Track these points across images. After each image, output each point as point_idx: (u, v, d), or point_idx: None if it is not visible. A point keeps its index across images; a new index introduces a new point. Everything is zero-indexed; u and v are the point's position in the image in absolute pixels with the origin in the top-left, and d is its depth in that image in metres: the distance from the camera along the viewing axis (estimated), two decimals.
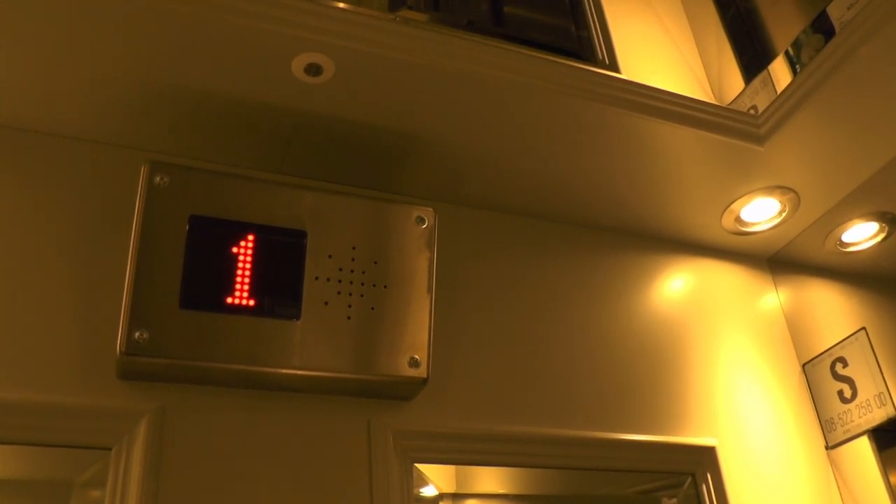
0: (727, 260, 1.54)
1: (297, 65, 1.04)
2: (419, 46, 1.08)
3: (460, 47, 1.11)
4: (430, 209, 1.13)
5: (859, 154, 1.31)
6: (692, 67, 1.65)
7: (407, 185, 1.29)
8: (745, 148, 1.28)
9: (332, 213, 1.07)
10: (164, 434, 0.97)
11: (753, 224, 1.46)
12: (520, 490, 1.28)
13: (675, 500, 1.29)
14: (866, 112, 1.23)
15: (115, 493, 0.91)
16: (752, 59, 1.51)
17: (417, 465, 1.09)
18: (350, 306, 1.03)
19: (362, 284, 1.05)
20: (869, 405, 1.31)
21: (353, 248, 1.06)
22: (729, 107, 1.43)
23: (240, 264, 1.00)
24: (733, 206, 1.41)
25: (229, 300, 0.98)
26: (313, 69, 1.05)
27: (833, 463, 1.36)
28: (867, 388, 1.32)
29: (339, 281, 1.04)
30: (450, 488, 1.20)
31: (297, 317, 1.00)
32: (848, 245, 1.52)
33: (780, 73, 1.39)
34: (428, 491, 1.17)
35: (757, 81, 1.44)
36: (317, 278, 1.03)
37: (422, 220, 1.12)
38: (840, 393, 1.37)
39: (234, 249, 1.00)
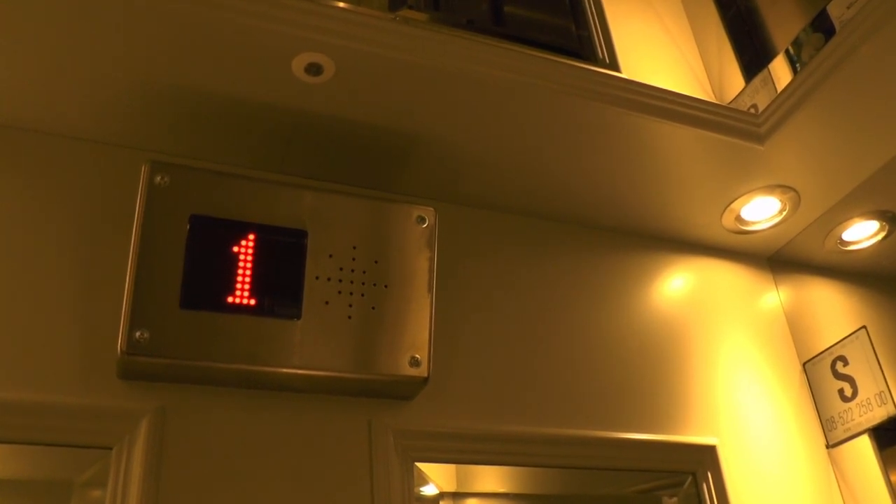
0: (727, 259, 1.54)
1: (298, 64, 1.04)
2: (419, 46, 1.08)
3: (460, 47, 1.11)
4: (431, 209, 1.13)
5: (859, 153, 1.31)
6: (692, 66, 1.65)
7: (407, 184, 1.29)
8: (745, 147, 1.28)
9: (332, 213, 1.07)
10: (164, 434, 0.97)
11: (754, 223, 1.46)
12: (520, 489, 1.28)
13: (675, 499, 1.29)
14: (866, 111, 1.23)
15: (116, 492, 0.91)
16: (753, 58, 1.51)
17: (418, 464, 1.09)
18: (351, 306, 1.03)
19: (363, 284, 1.05)
20: (869, 404, 1.31)
21: (354, 247, 1.06)
22: (729, 106, 1.43)
23: (240, 264, 1.00)
24: (734, 205, 1.41)
25: (230, 300, 0.98)
26: (313, 69, 1.05)
27: (833, 462, 1.36)
28: (868, 386, 1.32)
29: (340, 280, 1.04)
30: (450, 487, 1.20)
31: (298, 316, 1.00)
32: (848, 244, 1.52)
33: (780, 72, 1.39)
34: (428, 490, 1.17)
35: (757, 80, 1.44)
36: (317, 278, 1.03)
37: (422, 220, 1.12)
38: (840, 392, 1.37)
39: (235, 249, 1.00)
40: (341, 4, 1.12)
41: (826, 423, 1.39)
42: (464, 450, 1.14)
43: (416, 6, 1.35)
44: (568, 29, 1.55)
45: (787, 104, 1.24)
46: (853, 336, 1.36)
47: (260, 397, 1.03)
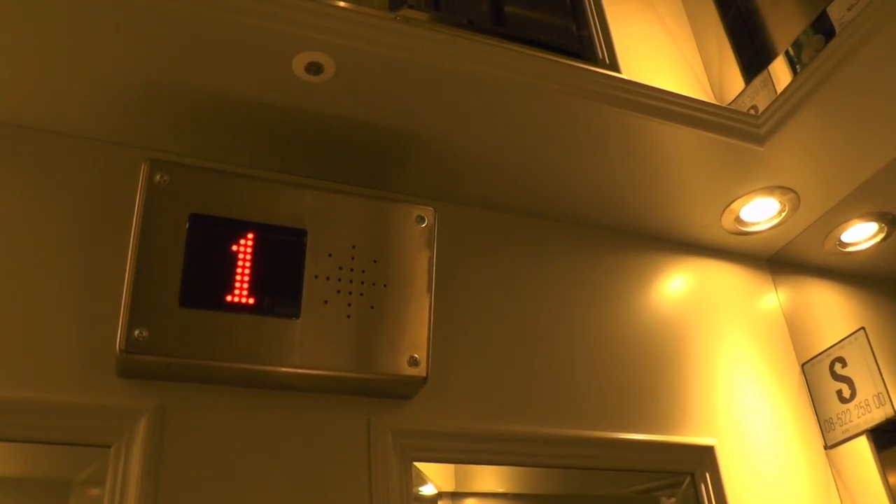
0: (727, 260, 1.54)
1: (298, 64, 1.04)
2: (420, 45, 1.08)
3: (461, 46, 1.11)
4: (430, 208, 1.13)
5: (859, 154, 1.31)
6: (692, 67, 1.65)
7: (407, 184, 1.29)
8: (745, 148, 1.28)
9: (332, 212, 1.07)
10: (163, 432, 0.97)
11: (753, 224, 1.46)
12: (519, 489, 1.28)
13: (673, 499, 1.30)
14: (866, 112, 1.23)
15: (115, 491, 0.91)
16: (753, 59, 1.51)
17: (416, 463, 1.09)
18: (350, 305, 1.03)
19: (362, 283, 1.05)
20: (868, 405, 1.31)
21: (353, 246, 1.06)
22: (729, 107, 1.43)
23: (240, 263, 1.00)
24: (733, 206, 1.41)
25: (229, 298, 0.98)
26: (314, 68, 1.05)
27: (832, 463, 1.36)
28: (866, 388, 1.32)
29: (339, 280, 1.04)
30: (449, 487, 1.20)
31: (297, 315, 1.00)
32: (847, 245, 1.52)
33: (780, 73, 1.39)
34: (427, 490, 1.17)
35: (757, 81, 1.44)
36: (316, 277, 1.03)
37: (422, 220, 1.12)
38: (839, 393, 1.37)
39: (234, 248, 1.00)
40: (342, 4, 1.12)
41: (824, 425, 1.39)
42: (462, 449, 1.14)
43: (416, 6, 1.35)
44: (568, 29, 1.55)
45: (787, 105, 1.24)
46: (852, 337, 1.37)
47: (259, 396, 1.03)
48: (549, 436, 1.18)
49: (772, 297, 1.55)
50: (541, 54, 1.25)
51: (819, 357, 1.43)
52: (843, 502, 1.32)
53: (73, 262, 1.04)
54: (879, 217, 1.46)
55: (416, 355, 1.05)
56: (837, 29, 1.24)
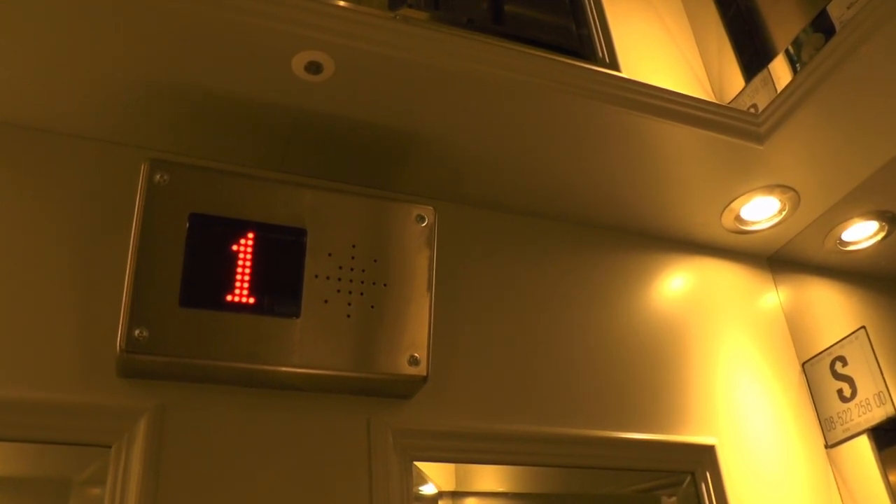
0: (727, 259, 1.54)
1: (298, 63, 1.04)
2: (419, 45, 1.08)
3: (460, 46, 1.11)
4: (430, 208, 1.13)
5: (859, 153, 1.31)
6: (692, 66, 1.65)
7: (407, 183, 1.29)
8: (745, 147, 1.28)
9: (332, 212, 1.07)
10: (163, 432, 0.97)
11: (753, 223, 1.46)
12: (519, 489, 1.28)
13: (674, 498, 1.29)
14: (866, 111, 1.23)
15: (115, 490, 0.91)
16: (753, 57, 1.51)
17: (417, 463, 1.09)
18: (350, 304, 1.03)
19: (362, 283, 1.05)
20: (868, 404, 1.31)
21: (353, 246, 1.06)
22: (729, 105, 1.43)
23: (240, 262, 1.00)
24: (733, 205, 1.41)
25: (229, 298, 0.98)
26: (313, 67, 1.05)
27: (832, 462, 1.36)
28: (867, 386, 1.32)
29: (339, 279, 1.04)
30: (449, 486, 1.20)
31: (297, 315, 1.00)
32: (848, 244, 1.52)
33: (780, 71, 1.38)
34: (427, 489, 1.17)
35: (757, 80, 1.44)
36: (316, 276, 1.03)
37: (422, 219, 1.12)
38: (840, 392, 1.37)
39: (234, 247, 1.00)
40: (341, 3, 1.12)
41: (825, 424, 1.39)
42: (463, 449, 1.14)
43: (416, 5, 1.35)
44: (568, 28, 1.55)
45: (787, 104, 1.24)
46: (852, 336, 1.36)
47: (259, 396, 1.03)
48: (549, 435, 1.18)
49: (772, 296, 1.55)
50: (540, 53, 1.25)
51: (819, 356, 1.43)
52: (843, 501, 1.32)
53: (73, 262, 1.04)
54: (880, 216, 1.46)
55: (416, 355, 1.05)
56: (837, 27, 1.24)
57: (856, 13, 1.16)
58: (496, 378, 1.20)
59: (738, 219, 1.45)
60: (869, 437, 1.32)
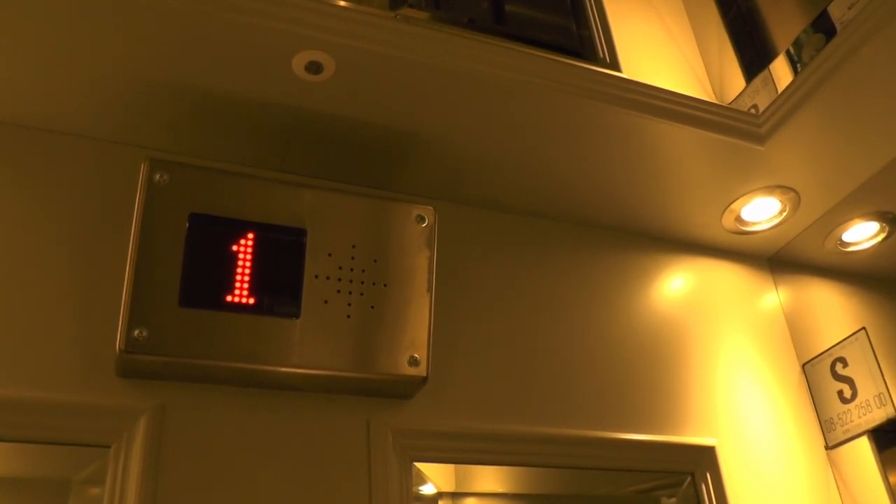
0: (727, 259, 1.54)
1: (298, 63, 1.04)
2: (420, 45, 1.08)
3: (461, 46, 1.11)
4: (430, 208, 1.13)
5: (860, 154, 1.31)
6: (693, 66, 1.65)
7: (407, 183, 1.29)
8: (745, 147, 1.28)
9: (332, 212, 1.07)
10: (163, 432, 0.97)
11: (754, 223, 1.46)
12: (519, 489, 1.28)
13: (674, 499, 1.29)
14: (867, 112, 1.23)
15: (114, 490, 0.91)
16: (753, 58, 1.51)
17: (416, 463, 1.09)
18: (350, 305, 1.03)
19: (362, 283, 1.05)
20: (869, 405, 1.30)
21: (353, 246, 1.06)
22: (730, 106, 1.43)
23: (239, 262, 1.00)
24: (734, 206, 1.41)
25: (229, 298, 0.98)
26: (314, 67, 1.05)
27: (832, 463, 1.36)
28: (867, 388, 1.31)
29: (339, 279, 1.04)
30: (449, 487, 1.20)
31: (297, 315, 1.00)
32: (848, 245, 1.52)
33: (780, 72, 1.38)
34: (427, 489, 1.17)
35: (758, 81, 1.44)
36: (316, 277, 1.03)
37: (422, 219, 1.11)
38: (840, 393, 1.37)
39: (234, 247, 1.00)
40: (342, 3, 1.12)
41: (825, 425, 1.39)
42: (462, 449, 1.13)
43: (416, 4, 1.34)
44: (569, 28, 1.54)
45: (788, 105, 1.24)
46: (853, 337, 1.36)
47: (258, 396, 1.03)
48: (549, 436, 1.18)
49: (772, 297, 1.55)
50: (541, 53, 1.25)
51: (820, 357, 1.43)
52: (843, 502, 1.32)
53: (73, 262, 1.04)
54: (880, 216, 1.46)
55: (416, 355, 1.05)
56: (838, 28, 1.24)
57: (857, 14, 1.16)
58: (496, 378, 1.20)
59: (739, 219, 1.45)
60: (869, 438, 1.32)
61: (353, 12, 1.07)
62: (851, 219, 1.46)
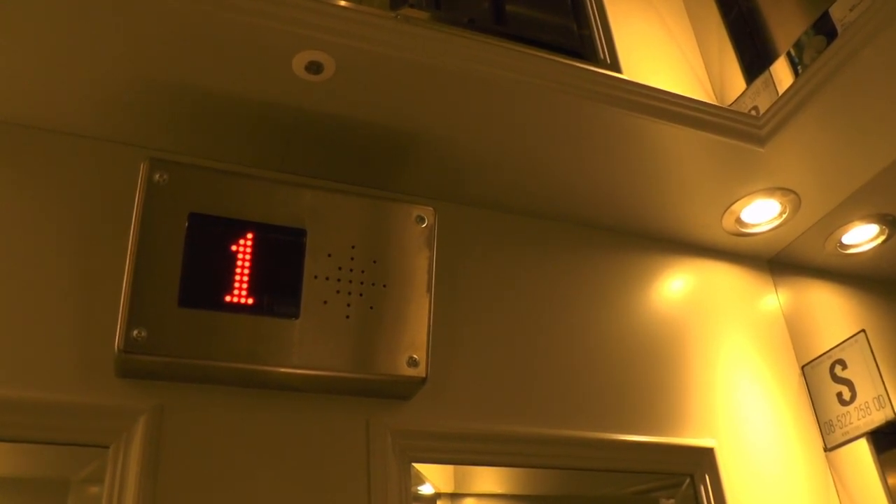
0: (727, 261, 1.54)
1: (298, 63, 1.04)
2: (420, 45, 1.08)
3: (461, 46, 1.11)
4: (430, 208, 1.13)
5: (860, 156, 1.31)
6: (694, 67, 1.64)
7: (407, 183, 1.29)
8: (745, 149, 1.28)
9: (331, 212, 1.07)
10: (162, 432, 0.97)
11: (754, 225, 1.46)
12: (518, 490, 1.28)
13: (673, 500, 1.29)
14: (868, 114, 1.23)
15: (113, 490, 0.91)
16: (754, 59, 1.51)
17: (415, 464, 1.09)
18: (349, 305, 1.03)
19: (361, 283, 1.05)
20: (868, 407, 1.30)
21: (353, 246, 1.06)
22: (730, 108, 1.43)
23: (239, 262, 1.00)
24: (734, 207, 1.41)
25: (228, 298, 0.98)
26: (314, 67, 1.05)
27: (831, 465, 1.36)
28: (866, 390, 1.31)
29: (339, 280, 1.04)
30: (448, 488, 1.20)
31: (296, 315, 1.00)
32: (848, 247, 1.52)
33: (781, 74, 1.38)
34: (425, 490, 1.17)
35: (758, 82, 1.44)
36: (316, 277, 1.03)
37: (421, 220, 1.11)
38: (839, 395, 1.37)
39: (234, 247, 1.00)
40: (342, 3, 1.12)
41: (824, 427, 1.39)
42: (461, 450, 1.13)
43: (417, 4, 1.34)
44: (569, 28, 1.54)
45: (789, 107, 1.24)
46: (852, 339, 1.36)
47: (258, 396, 1.03)
48: (548, 436, 1.18)
49: (772, 299, 1.55)
50: (541, 54, 1.25)
51: (819, 359, 1.43)
52: None
53: (72, 261, 1.04)
54: (880, 219, 1.46)
55: (415, 356, 1.05)
56: (839, 30, 1.24)
57: (858, 16, 1.16)
58: (495, 379, 1.20)
59: (739, 221, 1.45)
60: (868, 440, 1.32)
61: (354, 12, 1.07)
62: (851, 221, 1.46)
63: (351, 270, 1.05)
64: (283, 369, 0.99)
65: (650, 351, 1.35)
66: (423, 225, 1.11)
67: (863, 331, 1.35)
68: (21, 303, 0.99)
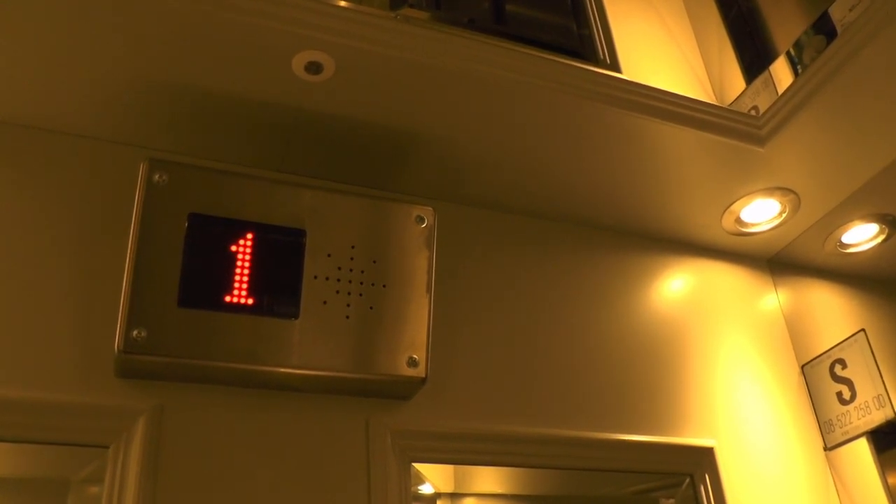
0: (727, 261, 1.54)
1: (298, 63, 1.04)
2: (420, 45, 1.07)
3: (461, 46, 1.11)
4: (430, 208, 1.13)
5: (860, 156, 1.31)
6: (693, 67, 1.64)
7: (407, 183, 1.29)
8: (745, 149, 1.28)
9: (331, 212, 1.07)
10: (162, 432, 0.97)
11: (754, 225, 1.46)
12: (518, 490, 1.28)
13: (672, 500, 1.30)
14: (867, 114, 1.23)
15: (113, 491, 0.91)
16: (754, 59, 1.51)
17: (415, 464, 1.09)
18: (349, 305, 1.03)
19: (361, 283, 1.05)
20: (868, 407, 1.31)
21: (353, 246, 1.06)
22: (730, 107, 1.43)
23: (239, 263, 1.00)
24: (733, 207, 1.41)
25: (228, 298, 0.98)
26: (313, 67, 1.05)
27: (831, 464, 1.36)
28: (866, 389, 1.32)
29: (338, 280, 1.04)
30: (448, 488, 1.20)
31: (296, 316, 1.00)
32: (848, 246, 1.52)
33: (781, 73, 1.38)
34: (425, 489, 1.17)
35: (758, 82, 1.44)
36: (315, 277, 1.03)
37: (421, 220, 1.11)
38: (839, 394, 1.37)
39: (233, 248, 1.00)
40: (342, 3, 1.12)
41: (824, 426, 1.39)
42: (461, 450, 1.14)
43: (416, 4, 1.34)
44: (569, 28, 1.54)
45: (788, 106, 1.24)
46: (852, 339, 1.36)
47: (257, 396, 1.03)
48: (548, 436, 1.18)
49: (772, 299, 1.55)
50: (541, 54, 1.24)
51: (819, 358, 1.43)
52: None
53: (72, 262, 1.04)
54: (880, 218, 1.46)
55: (414, 356, 1.05)
56: (839, 30, 1.24)
57: (858, 16, 1.16)
58: (495, 379, 1.20)
59: (739, 221, 1.45)
60: (868, 439, 1.32)
61: (353, 12, 1.07)
62: (851, 220, 1.46)
63: (351, 270, 1.05)
64: (282, 369, 0.99)
65: (650, 350, 1.35)
66: (423, 225, 1.11)
67: (862, 330, 1.35)
68: (21, 303, 0.99)
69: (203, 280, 0.97)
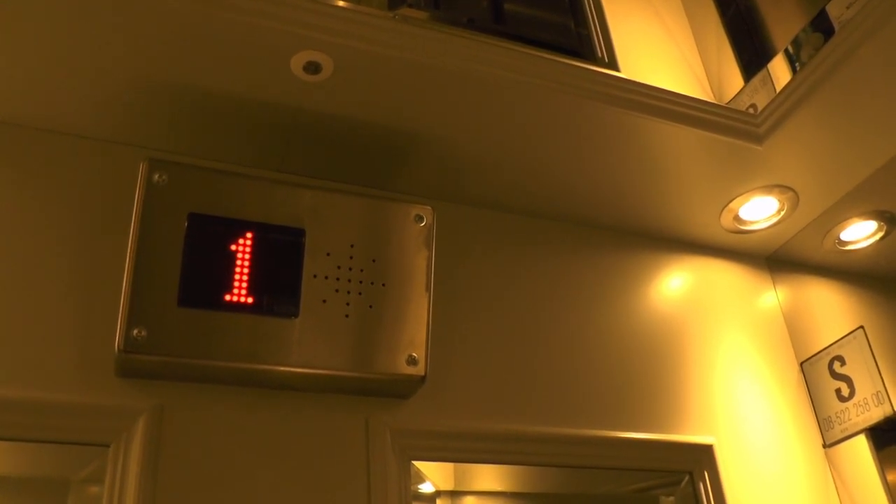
0: (726, 258, 1.54)
1: (297, 63, 1.04)
2: (419, 45, 1.08)
3: (460, 45, 1.11)
4: (429, 208, 1.13)
5: (858, 153, 1.31)
6: (691, 66, 1.65)
7: (406, 183, 1.29)
8: (744, 147, 1.28)
9: (330, 212, 1.07)
10: (162, 431, 0.97)
11: (752, 223, 1.46)
12: (518, 488, 1.28)
13: (672, 498, 1.30)
14: (865, 111, 1.23)
15: (114, 490, 0.92)
16: (752, 57, 1.51)
17: (415, 462, 1.09)
18: (348, 304, 1.04)
19: (360, 283, 1.05)
20: (866, 404, 1.31)
21: (352, 246, 1.06)
22: (728, 105, 1.43)
23: (238, 262, 1.00)
24: (732, 205, 1.41)
25: (228, 298, 0.98)
26: (312, 67, 1.05)
27: (830, 461, 1.36)
28: (865, 386, 1.32)
29: (338, 279, 1.04)
30: (448, 486, 1.21)
31: (296, 315, 1.00)
32: (846, 244, 1.52)
33: (779, 71, 1.38)
34: (425, 488, 1.17)
35: (756, 80, 1.44)
36: (315, 276, 1.03)
37: (420, 219, 1.12)
38: (838, 391, 1.37)
39: (233, 247, 1.00)
40: (340, 3, 1.12)
41: (823, 423, 1.39)
42: (461, 448, 1.14)
43: (415, 4, 1.34)
44: (567, 27, 1.54)
45: (786, 104, 1.24)
46: (851, 336, 1.37)
47: (257, 395, 1.03)
48: (548, 435, 1.18)
49: (771, 296, 1.55)
50: (540, 53, 1.25)
51: (818, 356, 1.43)
52: (841, 501, 1.33)
53: (72, 261, 1.04)
54: (878, 216, 1.46)
55: (414, 354, 1.05)
56: (837, 27, 1.24)
57: (855, 13, 1.16)
58: (494, 378, 1.20)
59: (737, 219, 1.45)
60: (867, 436, 1.32)
61: (352, 12, 1.07)
62: (849, 218, 1.46)
63: (350, 270, 1.05)
64: (282, 368, 0.99)
65: (649, 349, 1.35)
66: (422, 224, 1.12)
67: (861, 327, 1.35)
68: (21, 303, 0.99)
69: (203, 279, 0.97)
